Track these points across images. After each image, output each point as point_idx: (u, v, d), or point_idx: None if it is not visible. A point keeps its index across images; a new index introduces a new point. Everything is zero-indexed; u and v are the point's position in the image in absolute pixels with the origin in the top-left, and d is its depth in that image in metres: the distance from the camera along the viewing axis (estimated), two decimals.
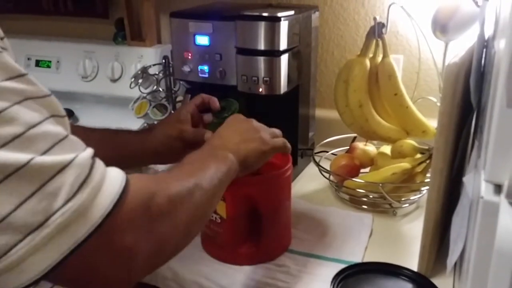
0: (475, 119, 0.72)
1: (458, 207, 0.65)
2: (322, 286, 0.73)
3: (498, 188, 0.44)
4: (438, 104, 0.69)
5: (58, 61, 1.43)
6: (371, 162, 1.05)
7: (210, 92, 0.89)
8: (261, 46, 0.92)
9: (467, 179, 0.59)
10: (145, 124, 1.21)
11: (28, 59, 1.45)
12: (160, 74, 1.21)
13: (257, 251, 0.81)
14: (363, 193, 0.96)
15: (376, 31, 0.96)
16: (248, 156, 0.70)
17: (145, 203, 0.49)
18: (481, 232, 0.45)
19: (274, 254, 0.82)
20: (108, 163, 0.84)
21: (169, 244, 0.54)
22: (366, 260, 0.81)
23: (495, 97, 0.45)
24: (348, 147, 1.09)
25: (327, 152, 1.11)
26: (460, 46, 0.78)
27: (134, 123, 1.21)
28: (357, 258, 0.81)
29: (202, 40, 0.99)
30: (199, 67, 1.01)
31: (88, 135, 0.80)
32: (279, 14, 0.91)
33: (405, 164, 0.94)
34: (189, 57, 1.01)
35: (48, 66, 1.44)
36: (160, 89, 1.21)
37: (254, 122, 0.75)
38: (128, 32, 1.35)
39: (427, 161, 0.94)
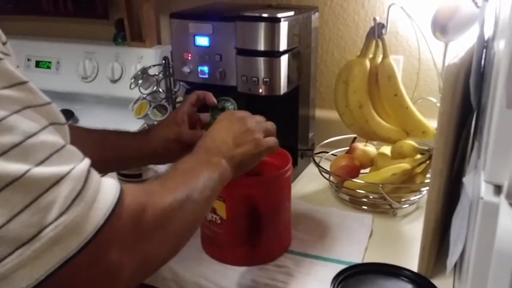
0: (475, 119, 0.72)
1: (458, 208, 0.65)
2: (322, 287, 0.73)
3: (498, 189, 0.44)
4: (438, 104, 0.69)
5: (58, 62, 1.43)
6: (371, 162, 1.05)
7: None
8: (261, 46, 0.92)
9: (467, 179, 0.59)
10: (145, 125, 1.21)
11: (28, 60, 1.46)
12: (160, 75, 1.21)
13: (257, 252, 0.81)
14: (363, 194, 0.96)
15: (376, 32, 0.96)
16: (242, 160, 0.70)
17: (135, 219, 0.49)
18: (481, 232, 0.45)
19: (274, 255, 0.82)
20: (107, 164, 0.84)
21: (157, 258, 0.54)
22: (366, 260, 0.81)
23: (494, 98, 0.45)
24: (348, 148, 1.09)
25: (327, 152, 1.11)
26: (460, 47, 0.78)
27: (134, 124, 1.21)
28: (357, 259, 0.81)
29: (202, 41, 0.99)
30: (199, 68, 1.01)
31: (87, 136, 0.81)
32: (279, 15, 0.91)
33: (405, 165, 0.94)
34: (189, 58, 1.01)
35: (48, 67, 1.44)
36: (160, 90, 1.21)
37: (248, 121, 0.73)
38: (128, 33, 1.35)
39: (427, 162, 0.94)
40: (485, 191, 0.45)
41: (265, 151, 0.73)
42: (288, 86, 0.97)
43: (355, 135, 1.08)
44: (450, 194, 0.77)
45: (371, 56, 0.98)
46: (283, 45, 0.93)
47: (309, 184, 1.07)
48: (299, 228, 0.89)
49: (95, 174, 0.47)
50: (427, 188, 0.82)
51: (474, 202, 0.53)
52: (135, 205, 0.49)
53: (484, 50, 0.68)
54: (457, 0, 0.92)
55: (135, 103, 1.22)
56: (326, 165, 1.03)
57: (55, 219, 0.42)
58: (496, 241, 0.41)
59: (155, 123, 1.14)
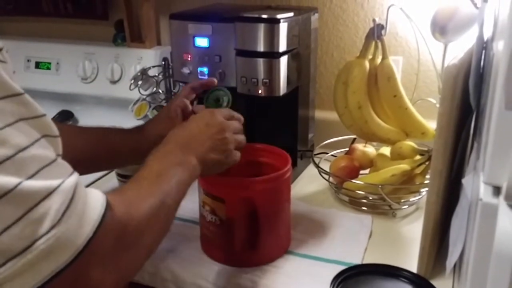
0: (474, 120, 0.72)
1: (457, 209, 0.65)
2: None
3: (497, 190, 0.44)
4: (437, 105, 0.69)
5: (58, 63, 1.43)
6: (370, 163, 1.05)
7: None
8: (261, 47, 0.92)
9: (466, 180, 0.59)
10: None
11: (28, 61, 1.46)
12: (160, 76, 1.21)
13: (257, 253, 0.81)
14: (362, 195, 0.96)
15: (376, 33, 0.96)
16: (211, 166, 0.71)
17: (116, 234, 0.49)
18: (480, 234, 0.45)
19: (273, 256, 0.82)
20: (101, 162, 0.84)
21: (135, 269, 0.55)
22: (365, 261, 0.81)
23: (494, 99, 0.45)
24: (347, 149, 1.09)
25: (327, 153, 1.11)
26: (459, 48, 0.78)
27: (134, 125, 1.21)
28: (356, 260, 0.81)
29: (202, 42, 0.99)
30: (199, 69, 1.01)
31: (81, 135, 0.81)
32: (279, 16, 0.91)
33: (404, 166, 0.94)
34: (189, 59, 1.01)
35: (48, 68, 1.44)
36: (160, 91, 1.22)
37: (227, 130, 0.73)
38: (128, 34, 1.35)
39: (427, 163, 0.94)
40: (484, 193, 0.45)
41: (231, 164, 0.74)
42: (288, 87, 0.97)
43: (354, 136, 1.08)
44: (450, 195, 0.77)
45: (370, 57, 0.98)
46: (282, 46, 0.93)
47: (308, 185, 1.07)
48: (299, 229, 0.89)
49: (82, 187, 0.47)
50: (426, 189, 0.82)
51: (473, 203, 0.53)
52: (116, 218, 0.49)
53: (483, 51, 0.68)
54: (457, 1, 0.92)
55: (134, 104, 1.22)
56: (326, 166, 1.03)
57: (47, 232, 0.42)
58: (495, 242, 0.41)
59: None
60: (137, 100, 1.22)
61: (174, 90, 1.22)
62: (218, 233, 0.80)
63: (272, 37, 0.91)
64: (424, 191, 0.94)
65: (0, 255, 0.40)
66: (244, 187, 0.78)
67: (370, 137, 1.03)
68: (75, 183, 0.46)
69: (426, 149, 0.96)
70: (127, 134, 0.85)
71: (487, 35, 0.67)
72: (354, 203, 0.98)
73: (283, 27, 0.91)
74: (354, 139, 1.09)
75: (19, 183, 0.41)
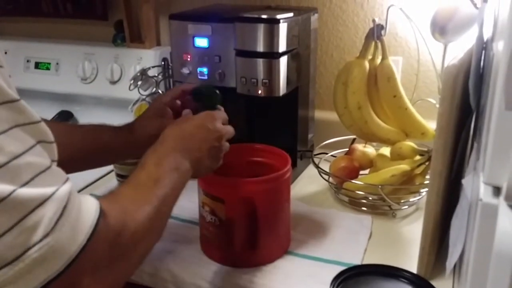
0: (474, 121, 0.72)
1: (457, 209, 0.65)
2: None
3: (497, 191, 0.44)
4: (437, 106, 0.69)
5: (57, 63, 1.43)
6: (370, 164, 1.05)
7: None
8: (260, 48, 0.92)
9: (466, 181, 0.59)
10: None
11: (28, 61, 1.45)
12: (160, 76, 1.21)
13: (256, 253, 0.81)
14: (362, 195, 0.96)
15: (375, 33, 0.96)
16: (200, 173, 0.71)
17: (109, 243, 0.49)
18: (480, 234, 0.45)
19: (273, 256, 0.82)
20: (94, 160, 0.84)
21: (125, 277, 0.54)
22: (365, 262, 0.81)
23: (493, 99, 0.45)
24: (347, 149, 1.09)
25: (327, 154, 1.11)
26: (459, 48, 0.78)
27: None
28: (356, 260, 0.80)
29: (201, 42, 0.99)
30: (198, 69, 1.01)
31: (72, 133, 0.81)
32: (278, 16, 0.91)
33: (404, 166, 0.94)
34: (188, 59, 1.01)
35: (48, 68, 1.44)
36: (160, 91, 1.21)
37: (223, 138, 0.73)
38: (128, 34, 1.35)
39: (426, 163, 0.94)
40: (484, 193, 0.45)
41: (214, 170, 0.75)
42: (287, 87, 0.97)
43: (354, 136, 1.08)
44: (450, 195, 0.77)
45: (370, 57, 0.98)
46: (282, 47, 0.93)
47: (308, 185, 1.07)
48: (298, 230, 0.89)
49: (76, 194, 0.47)
50: (426, 189, 0.82)
51: (473, 203, 0.53)
52: (110, 227, 0.49)
53: (483, 52, 0.68)
54: (456, 1, 0.92)
55: (134, 104, 1.22)
56: (326, 167, 1.03)
57: (40, 240, 0.41)
58: (495, 242, 0.41)
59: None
60: (137, 101, 1.22)
61: None
62: (217, 233, 0.80)
63: (271, 37, 0.91)
64: (424, 191, 0.94)
65: None
66: (244, 187, 0.78)
67: (370, 137, 1.03)
68: (69, 191, 0.45)
69: (426, 149, 0.96)
70: (118, 132, 0.84)
71: (487, 35, 0.67)
72: (354, 204, 0.98)
73: (282, 28, 0.91)
74: (354, 139, 1.09)
75: (13, 191, 0.41)
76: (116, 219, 0.50)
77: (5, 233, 0.40)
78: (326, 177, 1.02)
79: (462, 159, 0.79)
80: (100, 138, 0.83)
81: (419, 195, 0.96)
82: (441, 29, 0.93)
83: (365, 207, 0.97)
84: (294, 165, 1.03)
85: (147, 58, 1.31)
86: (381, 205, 0.96)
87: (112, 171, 1.07)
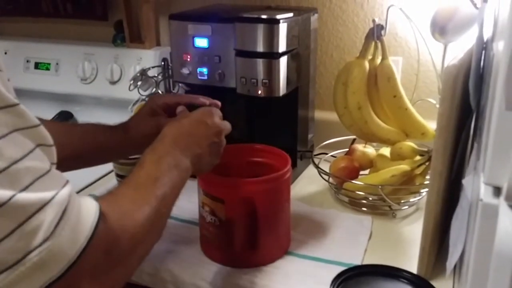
0: (474, 121, 0.72)
1: (458, 210, 0.65)
2: None
3: (497, 191, 0.44)
4: (437, 106, 0.69)
5: (57, 63, 1.43)
6: (370, 164, 1.05)
7: (209, 95, 0.89)
8: (260, 48, 0.92)
9: (467, 181, 0.59)
10: None
11: (27, 61, 1.45)
12: (159, 76, 1.21)
13: (256, 254, 0.81)
14: (362, 195, 0.96)
15: (375, 33, 0.96)
16: (201, 169, 0.71)
17: (107, 247, 0.48)
18: (481, 234, 0.45)
19: (273, 257, 0.82)
20: (90, 159, 0.84)
21: (124, 278, 0.54)
22: (365, 262, 0.81)
23: (494, 99, 0.45)
24: (347, 149, 1.09)
25: (327, 154, 1.11)
26: (459, 48, 0.78)
27: None
28: (356, 261, 0.80)
29: (201, 42, 0.99)
30: (198, 69, 1.01)
31: (70, 133, 0.81)
32: (278, 16, 0.91)
33: (404, 166, 0.94)
34: (188, 59, 1.01)
35: (47, 69, 1.44)
36: (159, 91, 1.21)
37: (222, 134, 0.73)
38: (127, 34, 1.35)
39: (427, 163, 0.94)
40: (485, 193, 0.44)
41: (213, 166, 0.74)
42: (287, 87, 0.97)
43: (354, 137, 1.08)
44: (450, 195, 0.77)
45: (370, 57, 0.98)
46: (282, 47, 0.93)
47: (308, 185, 1.07)
48: (298, 230, 0.89)
49: (75, 197, 0.47)
50: (426, 189, 0.82)
51: (473, 204, 0.53)
52: (110, 229, 0.49)
53: (483, 52, 0.68)
54: (456, 1, 0.92)
55: (134, 104, 1.22)
56: (326, 167, 1.03)
57: (40, 244, 0.42)
58: (495, 243, 0.41)
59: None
60: (137, 101, 1.22)
61: (173, 91, 1.22)
62: (217, 233, 0.80)
63: (271, 37, 0.91)
64: (424, 191, 0.94)
65: None
66: (243, 187, 0.78)
67: (370, 137, 1.03)
68: (68, 194, 0.45)
69: (426, 149, 0.96)
70: (114, 132, 0.84)
71: (487, 35, 0.67)
72: (354, 204, 0.98)
73: (282, 28, 0.91)
74: (354, 139, 1.09)
75: (13, 196, 0.41)
76: (116, 222, 0.50)
77: (5, 238, 0.40)
78: (326, 177, 1.02)
79: (462, 159, 0.79)
80: (97, 138, 0.83)
81: (419, 195, 0.96)
82: (441, 29, 0.93)
83: (365, 207, 0.97)
84: (294, 165, 1.03)
85: (147, 58, 1.31)
86: (381, 205, 0.96)
87: (111, 171, 1.07)
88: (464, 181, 0.60)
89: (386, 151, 1.04)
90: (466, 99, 0.67)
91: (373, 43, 0.97)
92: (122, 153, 0.88)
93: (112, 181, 1.06)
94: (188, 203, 0.84)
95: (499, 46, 0.47)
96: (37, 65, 1.45)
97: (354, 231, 0.89)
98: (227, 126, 0.75)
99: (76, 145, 0.80)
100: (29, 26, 1.53)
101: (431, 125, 0.96)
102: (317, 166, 1.02)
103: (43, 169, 0.45)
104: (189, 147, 0.67)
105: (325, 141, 1.13)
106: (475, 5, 0.88)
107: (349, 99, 0.98)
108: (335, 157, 1.08)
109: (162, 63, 1.20)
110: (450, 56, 0.80)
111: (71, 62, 1.40)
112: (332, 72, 1.22)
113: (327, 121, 1.18)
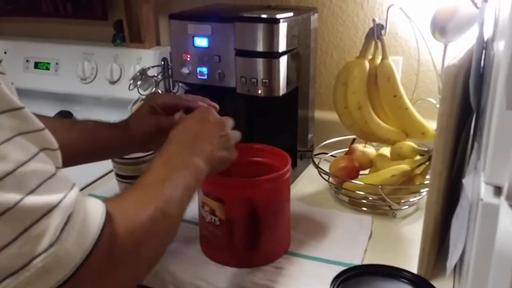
0: (475, 120, 0.72)
1: (458, 209, 0.65)
2: None
3: (498, 190, 0.44)
4: (438, 105, 0.69)
5: (57, 63, 1.43)
6: (370, 164, 1.04)
7: (209, 94, 0.89)
8: (260, 48, 0.92)
9: (467, 181, 0.59)
10: None
11: (27, 61, 1.45)
12: (159, 76, 1.21)
13: (256, 254, 0.81)
14: (362, 195, 0.96)
15: (375, 33, 0.96)
16: (218, 166, 0.70)
17: (112, 250, 0.48)
18: (481, 234, 0.45)
19: (273, 257, 0.82)
20: (89, 156, 0.84)
21: (134, 281, 0.54)
22: (365, 262, 0.81)
23: (494, 99, 0.45)
24: (347, 149, 1.09)
25: (326, 154, 1.11)
26: (459, 48, 0.78)
27: None
28: (356, 260, 0.80)
29: (201, 42, 0.98)
30: (198, 69, 1.00)
31: (70, 130, 0.81)
32: (278, 16, 0.91)
33: (404, 166, 0.94)
34: (188, 59, 1.01)
35: (47, 68, 1.43)
36: (159, 91, 1.21)
37: (227, 126, 0.73)
38: (127, 34, 1.35)
39: (427, 163, 0.93)
40: (485, 193, 0.44)
41: (233, 160, 0.74)
42: (287, 87, 0.97)
43: (354, 136, 1.08)
44: (450, 195, 0.77)
45: (370, 57, 0.98)
46: (282, 46, 0.92)
47: (308, 185, 1.07)
48: (298, 230, 0.89)
49: (82, 201, 0.46)
50: (426, 189, 0.82)
51: (474, 203, 0.52)
52: (115, 232, 0.48)
53: (484, 51, 0.68)
54: (457, 1, 0.92)
55: (134, 104, 1.22)
56: (326, 167, 1.03)
57: (46, 250, 0.41)
58: (496, 242, 0.41)
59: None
60: (136, 100, 1.22)
61: (173, 90, 1.22)
62: (217, 233, 0.80)
63: (271, 37, 0.91)
64: (424, 191, 0.94)
65: None
66: (243, 187, 0.78)
67: (370, 137, 1.03)
68: (75, 198, 0.45)
69: (426, 149, 0.96)
70: (114, 129, 0.84)
71: (487, 35, 0.67)
72: (354, 204, 0.98)
73: (282, 27, 0.91)
74: (354, 139, 1.09)
75: (21, 200, 0.40)
76: (120, 221, 0.49)
77: (11, 243, 0.40)
78: (326, 177, 1.02)
79: (463, 159, 0.79)
80: (97, 135, 0.83)
81: (419, 195, 0.95)
82: (441, 29, 0.93)
83: (365, 207, 0.97)
84: (294, 165, 1.03)
85: (147, 58, 1.31)
86: (381, 205, 0.96)
87: (111, 171, 1.06)
88: (464, 181, 0.60)
89: (386, 151, 1.04)
90: (466, 98, 0.67)
91: (373, 43, 0.97)
92: (122, 150, 0.88)
93: (112, 181, 1.06)
94: None
95: (499, 46, 0.47)
96: (36, 65, 1.45)
97: (354, 231, 0.89)
98: (227, 120, 0.75)
99: (75, 142, 0.80)
100: (29, 26, 1.53)
101: (431, 125, 0.96)
102: (317, 166, 1.02)
103: (49, 172, 0.44)
104: (198, 146, 0.67)
105: (325, 141, 1.13)
106: (475, 4, 0.88)
107: (349, 99, 0.98)
108: (335, 157, 1.08)
109: (162, 62, 1.20)
110: (450, 56, 0.80)
111: (71, 62, 1.40)
112: (332, 72, 1.22)
113: (327, 121, 1.18)
